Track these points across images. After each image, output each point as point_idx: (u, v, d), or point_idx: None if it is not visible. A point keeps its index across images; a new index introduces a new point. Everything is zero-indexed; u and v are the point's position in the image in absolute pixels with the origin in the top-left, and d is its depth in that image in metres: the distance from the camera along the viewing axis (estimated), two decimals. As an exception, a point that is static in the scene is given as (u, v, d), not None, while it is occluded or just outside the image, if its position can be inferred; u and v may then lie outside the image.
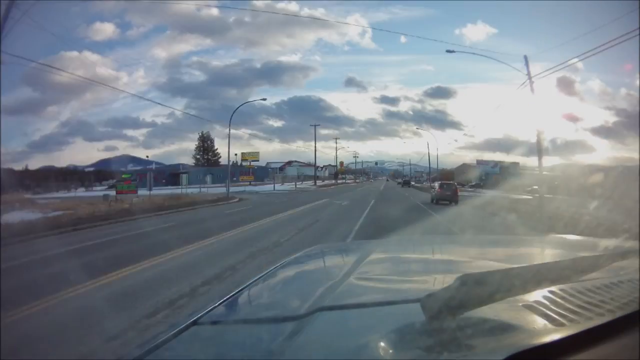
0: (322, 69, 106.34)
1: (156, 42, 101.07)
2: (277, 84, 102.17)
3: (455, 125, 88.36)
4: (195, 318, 0.88)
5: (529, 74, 16.87)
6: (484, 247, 1.77)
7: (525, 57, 17.10)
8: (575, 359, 0.57)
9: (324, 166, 78.74)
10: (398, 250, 1.80)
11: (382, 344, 0.64)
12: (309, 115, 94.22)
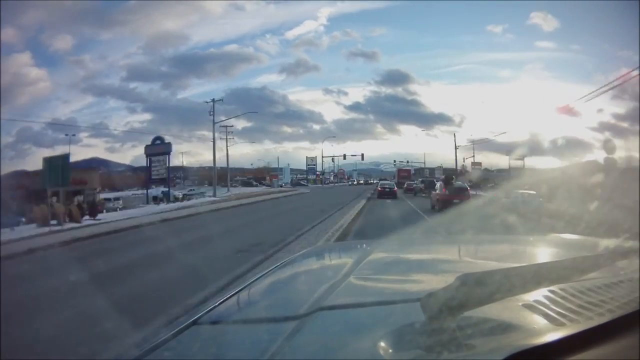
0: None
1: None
2: (204, 75, 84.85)
3: (450, 121, 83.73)
4: (195, 318, 0.88)
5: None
6: (484, 247, 1.76)
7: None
8: (575, 359, 0.57)
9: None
10: (398, 250, 1.79)
11: (382, 343, 0.64)
12: (265, 110, 75.59)
